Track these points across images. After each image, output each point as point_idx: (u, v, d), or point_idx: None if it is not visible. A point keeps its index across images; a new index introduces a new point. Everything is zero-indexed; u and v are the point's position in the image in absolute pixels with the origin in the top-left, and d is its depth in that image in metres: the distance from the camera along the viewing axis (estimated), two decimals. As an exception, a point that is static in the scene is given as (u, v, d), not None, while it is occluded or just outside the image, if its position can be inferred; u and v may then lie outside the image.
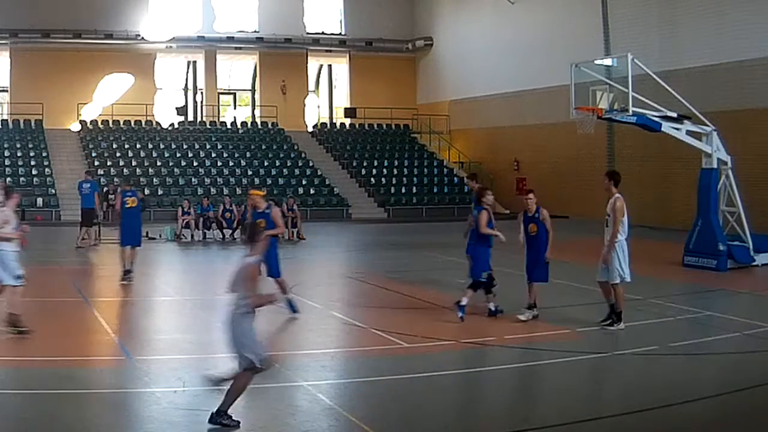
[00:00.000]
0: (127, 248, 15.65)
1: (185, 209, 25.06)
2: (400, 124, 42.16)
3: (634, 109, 17.79)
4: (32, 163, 33.66)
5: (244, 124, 41.09)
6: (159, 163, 35.47)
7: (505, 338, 11.12)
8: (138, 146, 36.51)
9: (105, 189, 29.43)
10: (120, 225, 15.75)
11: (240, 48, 41.30)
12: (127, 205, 15.63)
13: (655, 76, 18.51)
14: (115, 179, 32.42)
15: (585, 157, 31.28)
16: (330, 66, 44.76)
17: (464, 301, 12.11)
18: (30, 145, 34.97)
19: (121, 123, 38.08)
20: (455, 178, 37.75)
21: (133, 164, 34.90)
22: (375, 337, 11.32)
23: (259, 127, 40.91)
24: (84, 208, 23.03)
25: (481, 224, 12.45)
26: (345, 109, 43.14)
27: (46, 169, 33.43)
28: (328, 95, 45.11)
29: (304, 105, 42.75)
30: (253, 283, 7.23)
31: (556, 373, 9.76)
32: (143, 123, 38.50)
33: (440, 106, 41.21)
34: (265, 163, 36.73)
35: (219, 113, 42.17)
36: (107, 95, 38.39)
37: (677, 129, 18.30)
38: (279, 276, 12.41)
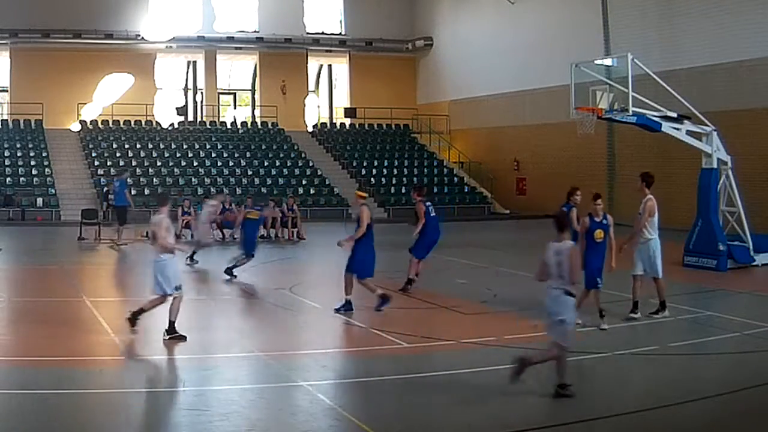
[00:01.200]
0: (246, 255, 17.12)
1: (185, 209, 24.96)
2: (400, 124, 42.13)
3: (634, 109, 17.78)
4: (32, 163, 33.64)
5: (244, 124, 41.08)
6: (159, 163, 35.45)
7: (505, 338, 11.11)
8: (138, 146, 36.49)
9: (105, 189, 29.46)
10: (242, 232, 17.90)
11: (240, 48, 41.27)
12: (250, 216, 18.04)
13: (655, 76, 18.50)
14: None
15: (585, 157, 31.28)
16: (330, 66, 44.73)
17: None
18: (30, 145, 34.95)
19: (121, 123, 38.06)
20: (455, 178, 37.73)
21: (133, 164, 34.87)
22: (375, 337, 11.32)
23: (259, 127, 40.89)
24: (115, 206, 23.41)
25: (573, 221, 11.66)
26: (345, 109, 43.11)
27: (46, 169, 33.41)
28: (328, 95, 45.08)
29: (304, 105, 42.71)
30: (577, 266, 8.30)
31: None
32: (143, 123, 38.49)
33: (440, 106, 41.19)
34: (265, 163, 36.71)
35: (219, 113, 42.13)
36: (107, 95, 38.37)
37: (677, 129, 18.29)
38: (371, 275, 12.82)
